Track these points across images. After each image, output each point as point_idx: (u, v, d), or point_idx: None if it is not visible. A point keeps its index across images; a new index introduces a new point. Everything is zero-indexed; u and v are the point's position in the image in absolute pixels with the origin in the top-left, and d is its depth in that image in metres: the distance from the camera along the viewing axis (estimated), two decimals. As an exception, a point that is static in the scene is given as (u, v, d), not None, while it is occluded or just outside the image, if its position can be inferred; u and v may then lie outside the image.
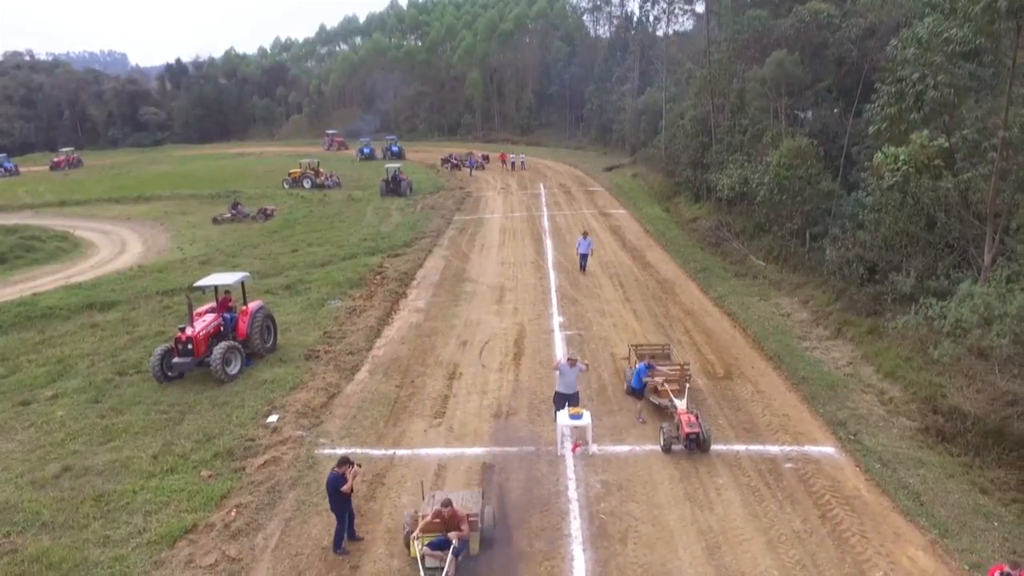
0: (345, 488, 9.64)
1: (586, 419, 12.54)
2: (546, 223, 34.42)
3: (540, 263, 26.73)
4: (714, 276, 23.80)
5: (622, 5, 70.20)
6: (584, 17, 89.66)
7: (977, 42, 12.72)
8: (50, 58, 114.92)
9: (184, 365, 15.66)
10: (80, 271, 28.61)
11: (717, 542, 9.97)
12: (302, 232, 33.43)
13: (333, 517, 10.01)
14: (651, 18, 61.44)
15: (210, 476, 11.88)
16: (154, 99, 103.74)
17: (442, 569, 8.70)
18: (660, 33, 58.53)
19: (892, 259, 17.19)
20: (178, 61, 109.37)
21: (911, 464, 11.77)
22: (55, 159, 69.99)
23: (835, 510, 10.68)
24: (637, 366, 13.99)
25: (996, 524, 10.10)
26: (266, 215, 37.54)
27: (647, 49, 59.29)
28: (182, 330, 15.89)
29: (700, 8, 45.76)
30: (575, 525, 10.45)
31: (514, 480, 11.70)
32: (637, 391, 13.81)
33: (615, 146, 63.44)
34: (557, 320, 19.88)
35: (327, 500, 10.03)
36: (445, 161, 59.04)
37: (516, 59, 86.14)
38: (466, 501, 9.89)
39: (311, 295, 22.75)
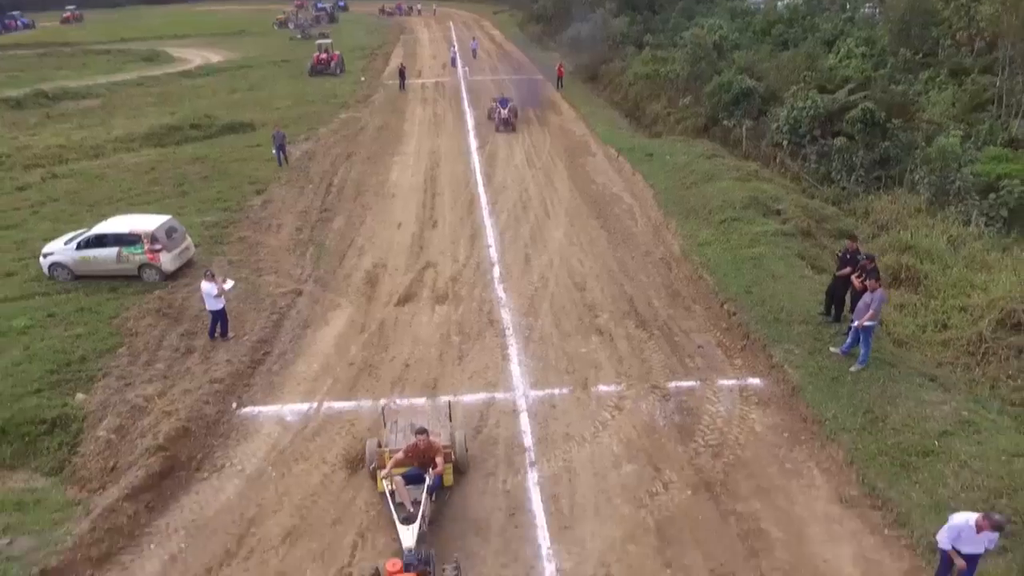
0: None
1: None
2: (453, 36, 61.70)
3: (448, 48, 54.12)
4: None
5: None
6: None
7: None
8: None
9: (321, 68, 43.16)
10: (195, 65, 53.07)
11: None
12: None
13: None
14: None
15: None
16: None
17: (417, 508, 8.11)
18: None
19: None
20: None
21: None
22: (64, 15, 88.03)
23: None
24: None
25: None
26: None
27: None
28: (318, 55, 43.22)
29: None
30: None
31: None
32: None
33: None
34: (462, 70, 47.56)
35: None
36: (382, 11, 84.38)
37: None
38: (431, 424, 9.47)
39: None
